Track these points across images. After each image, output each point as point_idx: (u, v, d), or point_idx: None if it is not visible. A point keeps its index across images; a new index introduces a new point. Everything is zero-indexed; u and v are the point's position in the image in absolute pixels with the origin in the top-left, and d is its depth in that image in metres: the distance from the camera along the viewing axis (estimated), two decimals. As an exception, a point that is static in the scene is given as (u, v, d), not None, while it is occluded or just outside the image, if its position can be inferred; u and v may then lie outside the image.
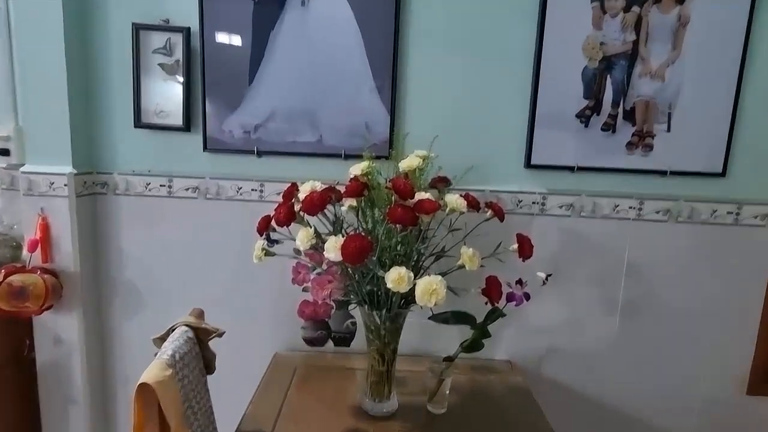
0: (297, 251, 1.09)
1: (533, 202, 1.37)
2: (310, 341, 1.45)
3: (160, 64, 1.33)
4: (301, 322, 1.41)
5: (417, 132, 1.32)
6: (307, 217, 0.97)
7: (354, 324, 1.44)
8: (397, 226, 0.87)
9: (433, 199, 0.88)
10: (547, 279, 1.02)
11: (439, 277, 0.84)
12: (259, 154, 1.37)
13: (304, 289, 1.08)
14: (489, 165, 1.35)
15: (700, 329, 1.42)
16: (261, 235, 1.10)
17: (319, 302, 1.00)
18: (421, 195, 0.90)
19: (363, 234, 0.88)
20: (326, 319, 1.44)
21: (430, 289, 0.81)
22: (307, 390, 1.24)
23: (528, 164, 1.34)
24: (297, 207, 0.94)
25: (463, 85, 1.33)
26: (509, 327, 1.42)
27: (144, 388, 0.75)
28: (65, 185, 1.31)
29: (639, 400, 1.46)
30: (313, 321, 1.43)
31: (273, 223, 0.99)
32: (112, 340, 1.47)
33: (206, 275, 1.42)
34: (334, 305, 1.01)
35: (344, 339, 1.45)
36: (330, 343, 1.45)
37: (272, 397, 1.19)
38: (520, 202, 1.37)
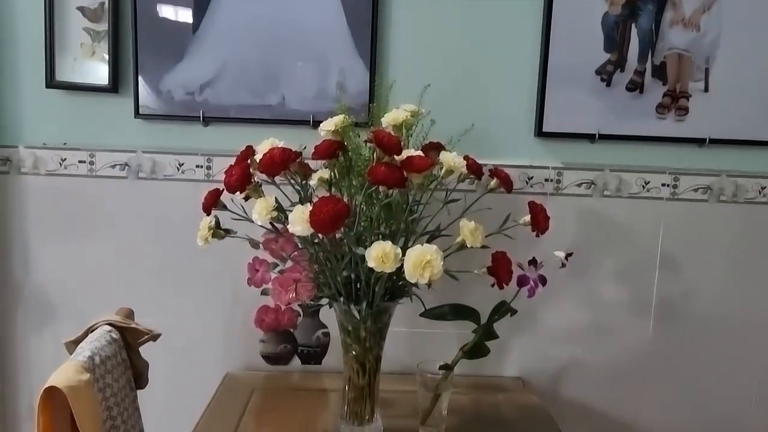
0: (254, 243, 1.06)
1: (546, 179, 1.37)
2: (271, 358, 1.42)
3: (79, 8, 1.30)
4: (259, 334, 1.38)
5: (402, 92, 1.30)
6: (265, 186, 0.95)
7: (326, 335, 1.41)
8: (381, 189, 0.85)
9: (425, 156, 0.87)
10: (567, 259, 1.01)
11: (434, 247, 0.82)
12: (206, 121, 1.34)
13: (263, 292, 1.04)
14: (492, 133, 1.35)
15: (755, 337, 1.43)
16: (207, 215, 1.07)
17: (283, 308, 0.97)
18: (409, 152, 0.89)
19: (335, 197, 0.86)
20: (291, 330, 1.41)
21: (423, 259, 0.79)
22: (267, 417, 1.20)
23: (539, 132, 1.34)
24: (252, 168, 0.92)
25: (457, 34, 1.33)
26: (520, 335, 1.40)
27: (52, 393, 0.71)
28: (-46, 159, 1.26)
29: (680, 428, 1.45)
30: (274, 332, 1.40)
31: (223, 191, 0.96)
32: (14, 358, 1.40)
33: (138, 275, 1.37)
34: (300, 312, 0.98)
35: (314, 354, 1.42)
36: (296, 360, 1.42)
37: (221, 427, 1.15)
38: (530, 178, 1.37)
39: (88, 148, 1.35)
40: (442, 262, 0.80)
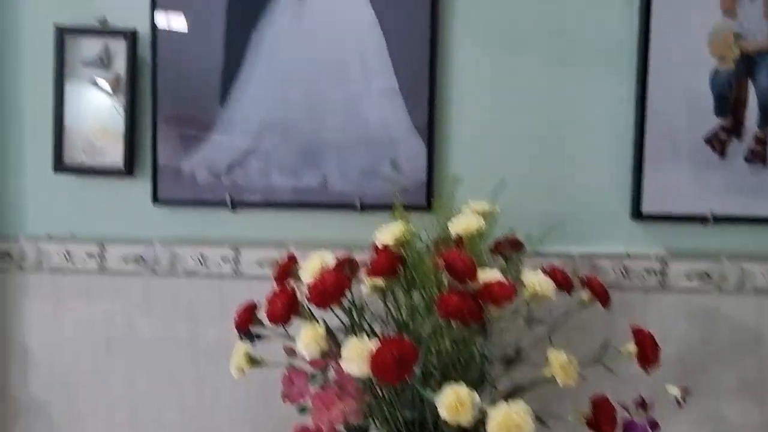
0: (290, 351, 1.09)
1: (648, 270, 1.36)
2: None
3: (93, 82, 1.39)
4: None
5: (468, 171, 1.33)
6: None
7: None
8: (453, 322, 0.87)
9: (507, 282, 0.88)
10: (684, 399, 0.99)
11: (521, 405, 0.82)
12: (235, 205, 1.39)
13: (301, 410, 1.06)
14: (578, 215, 1.36)
15: None
16: (241, 333, 1.10)
17: (324, 429, 0.98)
18: (486, 273, 0.90)
19: (401, 336, 0.88)
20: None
21: (510, 424, 0.79)
22: None
23: (637, 213, 1.34)
24: (299, 294, 0.95)
25: (533, 101, 1.36)
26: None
27: None
28: (-49, 259, 1.34)
29: None
30: (314, 459, 1.41)
31: (261, 316, 1.00)
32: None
33: (152, 390, 1.42)
34: (345, 434, 1.00)
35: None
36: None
37: None
38: (627, 270, 1.36)
39: (98, 239, 1.43)
40: (532, 426, 0.80)
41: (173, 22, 1.38)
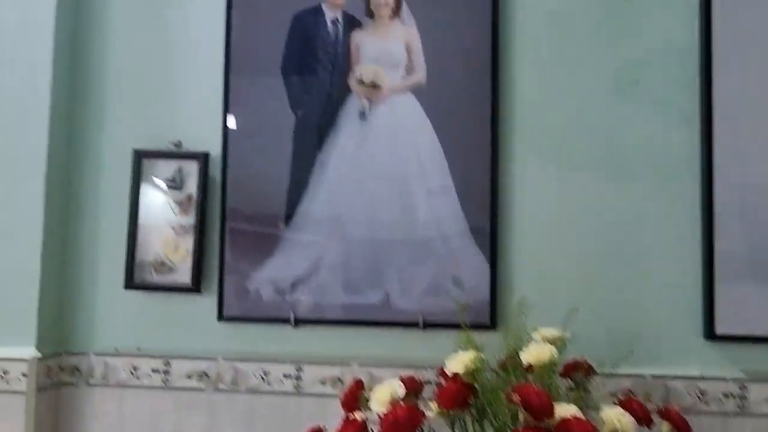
0: None
1: (725, 394, 1.32)
2: None
3: (166, 201, 1.49)
4: None
5: (532, 288, 1.35)
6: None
7: None
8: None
9: (584, 419, 0.89)
10: None
11: None
12: (298, 322, 1.43)
13: None
14: (649, 336, 1.34)
15: None
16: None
17: None
18: (563, 409, 0.91)
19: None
20: None
21: None
22: None
23: (710, 334, 1.32)
24: (369, 425, 0.97)
25: (596, 217, 1.38)
26: None
27: None
28: (24, 375, 1.40)
29: None
30: None
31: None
32: None
33: None
34: None
35: None
36: None
37: None
38: (703, 393, 1.32)
39: (164, 355, 1.47)
40: None
41: (243, 144, 1.47)
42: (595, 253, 1.38)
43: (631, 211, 1.38)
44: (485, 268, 1.39)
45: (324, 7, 1.48)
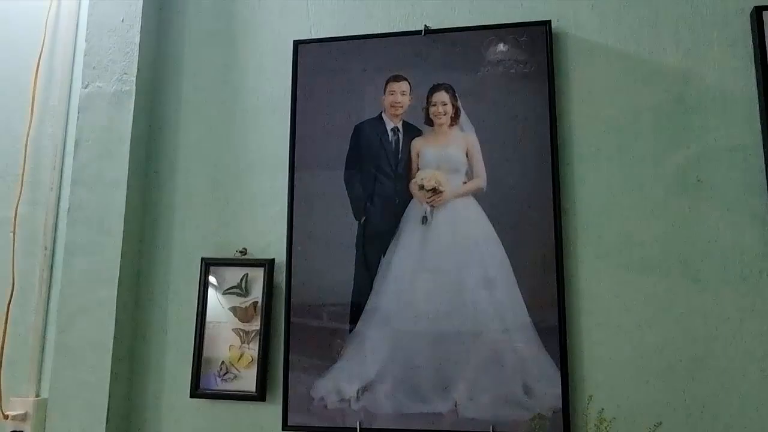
0: None
1: None
2: None
3: (231, 308, 1.51)
4: None
5: (604, 396, 1.31)
6: None
7: None
8: None
9: None
10: None
11: None
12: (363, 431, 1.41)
13: None
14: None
15: None
16: None
17: None
18: None
19: None
20: None
21: None
22: None
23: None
24: None
25: (674, 324, 1.34)
26: None
27: None
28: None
29: None
30: None
31: None
32: None
33: None
34: None
35: None
36: None
37: None
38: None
39: (230, 463, 1.46)
40: None
41: (308, 251, 1.50)
42: (677, 363, 1.34)
43: (702, 316, 1.34)
44: (555, 374, 1.35)
45: (384, 116, 1.53)
